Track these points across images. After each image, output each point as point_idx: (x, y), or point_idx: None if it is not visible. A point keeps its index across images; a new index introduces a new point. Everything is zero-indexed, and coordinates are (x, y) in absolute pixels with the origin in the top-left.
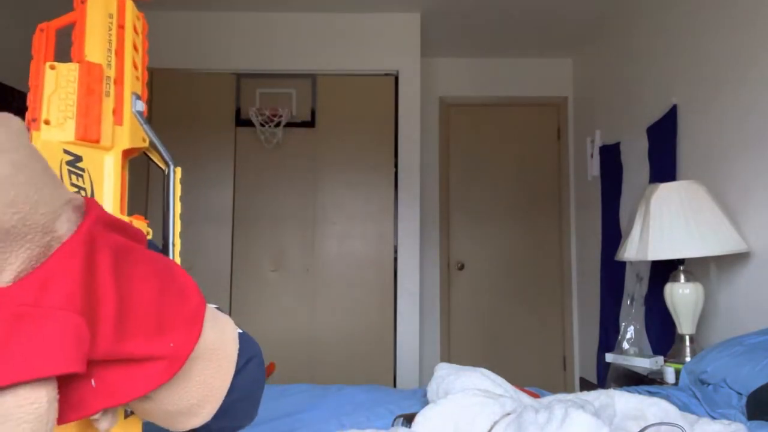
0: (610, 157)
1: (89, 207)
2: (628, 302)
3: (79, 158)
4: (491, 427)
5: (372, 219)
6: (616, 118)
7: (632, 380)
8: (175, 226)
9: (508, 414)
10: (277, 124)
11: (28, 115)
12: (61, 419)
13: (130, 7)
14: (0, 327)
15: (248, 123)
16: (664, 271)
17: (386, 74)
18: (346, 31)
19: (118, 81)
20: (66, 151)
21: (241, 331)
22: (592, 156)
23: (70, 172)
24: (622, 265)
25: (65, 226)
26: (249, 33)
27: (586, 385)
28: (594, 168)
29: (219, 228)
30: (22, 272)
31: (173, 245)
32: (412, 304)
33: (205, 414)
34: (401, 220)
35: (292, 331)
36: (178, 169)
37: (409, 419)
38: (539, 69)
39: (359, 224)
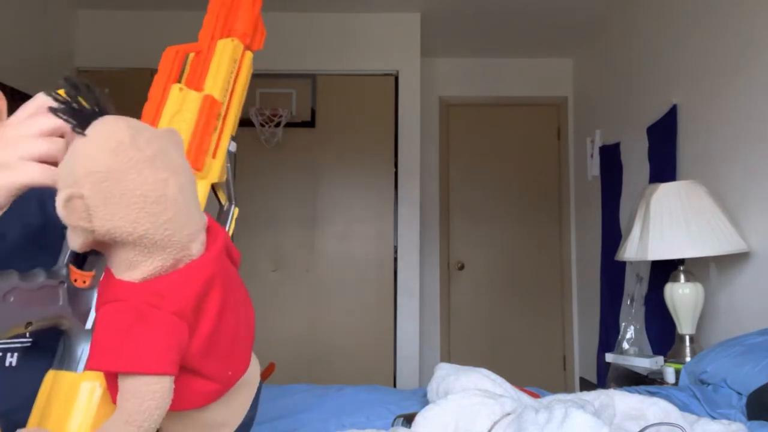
0: (610, 157)
1: (216, 231)
2: (628, 302)
3: None
4: (491, 427)
5: (372, 219)
6: (616, 118)
7: (632, 380)
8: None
9: (508, 414)
10: (277, 124)
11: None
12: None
13: (248, 58)
14: (126, 317)
15: (248, 123)
16: (664, 271)
17: (386, 74)
18: (346, 31)
19: (225, 120)
20: None
21: None
22: (592, 156)
23: None
24: (622, 265)
25: (197, 247)
26: None
27: (586, 385)
28: (594, 168)
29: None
30: (150, 276)
31: None
32: (412, 304)
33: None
34: (401, 220)
35: (292, 330)
36: (236, 209)
37: (409, 419)
38: (539, 69)
39: (359, 224)
